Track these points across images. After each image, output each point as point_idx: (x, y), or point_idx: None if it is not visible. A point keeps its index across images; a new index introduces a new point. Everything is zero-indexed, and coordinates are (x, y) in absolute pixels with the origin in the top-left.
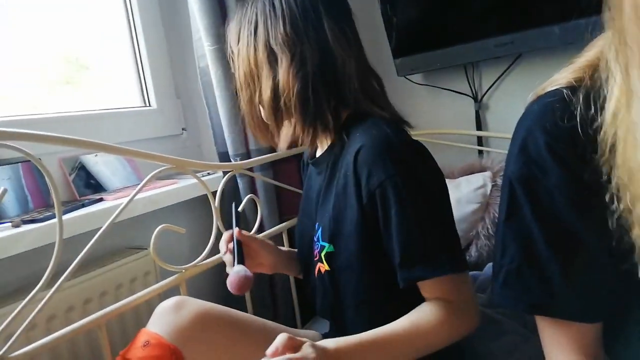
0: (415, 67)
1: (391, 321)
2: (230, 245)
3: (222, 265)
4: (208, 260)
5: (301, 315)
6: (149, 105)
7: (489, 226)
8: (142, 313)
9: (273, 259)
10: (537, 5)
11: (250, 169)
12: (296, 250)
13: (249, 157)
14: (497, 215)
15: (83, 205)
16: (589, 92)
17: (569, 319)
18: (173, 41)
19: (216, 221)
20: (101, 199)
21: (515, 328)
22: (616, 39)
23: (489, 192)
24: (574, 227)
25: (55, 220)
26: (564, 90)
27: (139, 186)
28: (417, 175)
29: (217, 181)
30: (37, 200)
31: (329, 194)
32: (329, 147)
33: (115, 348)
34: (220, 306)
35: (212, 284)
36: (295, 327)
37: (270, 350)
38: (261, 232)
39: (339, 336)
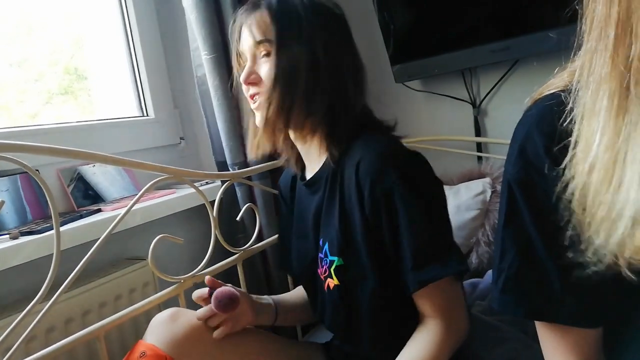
0: (413, 73)
1: (407, 331)
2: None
3: (220, 276)
4: (207, 270)
5: (302, 325)
6: (147, 115)
7: (489, 233)
8: (141, 324)
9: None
10: (534, 11)
11: (249, 178)
12: (289, 296)
13: (247, 166)
14: (497, 221)
15: (81, 216)
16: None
17: (568, 324)
18: (170, 51)
19: (214, 230)
20: (99, 210)
21: (516, 335)
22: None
23: (488, 198)
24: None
25: (53, 231)
26: (561, 93)
27: (136, 197)
28: (419, 181)
29: (215, 190)
30: (36, 212)
31: (332, 207)
32: (324, 163)
33: (114, 359)
34: None
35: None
36: (296, 336)
37: None
38: (260, 241)
39: (346, 347)
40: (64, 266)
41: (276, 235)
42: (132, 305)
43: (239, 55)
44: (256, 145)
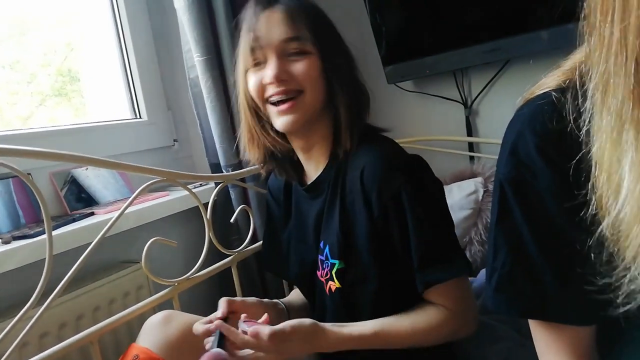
0: (405, 74)
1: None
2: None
3: (215, 278)
4: (201, 272)
5: None
6: (140, 118)
7: (482, 232)
8: (136, 327)
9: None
10: (525, 11)
11: (243, 180)
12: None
13: (241, 168)
14: (489, 220)
15: (74, 220)
16: (577, 93)
17: (561, 322)
18: (163, 52)
19: (208, 233)
20: (92, 213)
21: (510, 334)
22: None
23: (480, 197)
24: (565, 230)
25: (46, 235)
26: (553, 93)
27: (129, 200)
28: (423, 183)
29: (209, 192)
30: (29, 216)
31: (333, 211)
32: (325, 168)
33: None
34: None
35: (205, 297)
36: None
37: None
38: (254, 243)
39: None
40: (57, 270)
41: None
42: (126, 309)
43: (252, 50)
44: (263, 147)
